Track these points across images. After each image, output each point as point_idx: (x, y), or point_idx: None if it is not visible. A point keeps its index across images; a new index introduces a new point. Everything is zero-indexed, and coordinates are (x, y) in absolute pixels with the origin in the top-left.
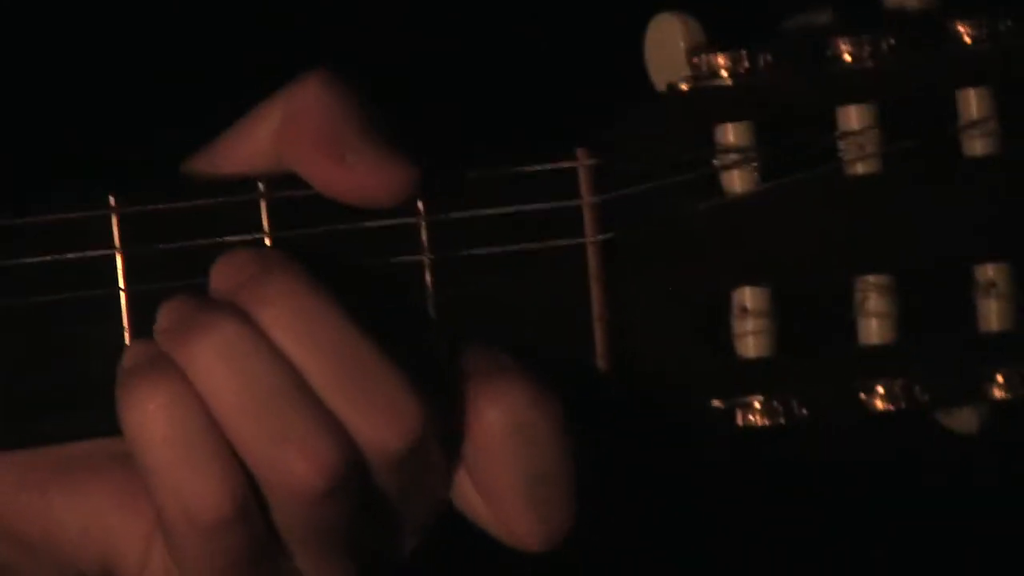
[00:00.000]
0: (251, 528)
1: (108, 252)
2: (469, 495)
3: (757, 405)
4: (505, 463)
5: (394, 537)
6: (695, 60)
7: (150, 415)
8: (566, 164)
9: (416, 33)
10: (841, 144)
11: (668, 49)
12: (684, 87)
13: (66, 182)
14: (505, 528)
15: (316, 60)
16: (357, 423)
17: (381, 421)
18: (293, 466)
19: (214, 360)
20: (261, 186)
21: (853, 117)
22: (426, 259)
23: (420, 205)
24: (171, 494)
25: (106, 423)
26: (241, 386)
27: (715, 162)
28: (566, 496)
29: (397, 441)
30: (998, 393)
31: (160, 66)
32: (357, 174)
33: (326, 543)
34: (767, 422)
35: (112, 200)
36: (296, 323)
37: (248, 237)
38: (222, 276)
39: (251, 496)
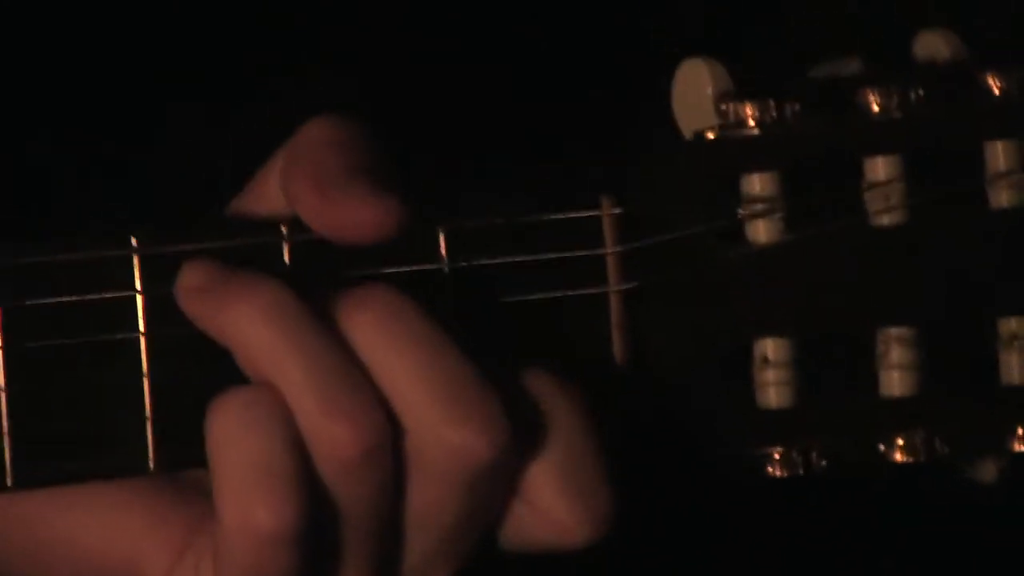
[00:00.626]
0: (305, 551)
1: (129, 293)
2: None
3: (777, 456)
4: (541, 457)
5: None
6: (723, 107)
7: (228, 426)
8: (591, 212)
9: (416, 33)
10: (867, 195)
11: (695, 95)
12: (711, 135)
13: (86, 221)
14: (549, 525)
15: (316, 60)
16: (450, 430)
17: (474, 429)
18: (337, 430)
19: (256, 321)
20: (284, 228)
21: (880, 168)
22: (448, 306)
23: (443, 251)
24: (236, 505)
25: (126, 466)
26: (286, 345)
27: (740, 212)
28: (602, 481)
29: (488, 450)
30: (1019, 446)
31: (160, 66)
32: (339, 209)
33: (376, 560)
34: (786, 473)
35: (134, 241)
36: (389, 326)
37: None
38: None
39: (312, 521)
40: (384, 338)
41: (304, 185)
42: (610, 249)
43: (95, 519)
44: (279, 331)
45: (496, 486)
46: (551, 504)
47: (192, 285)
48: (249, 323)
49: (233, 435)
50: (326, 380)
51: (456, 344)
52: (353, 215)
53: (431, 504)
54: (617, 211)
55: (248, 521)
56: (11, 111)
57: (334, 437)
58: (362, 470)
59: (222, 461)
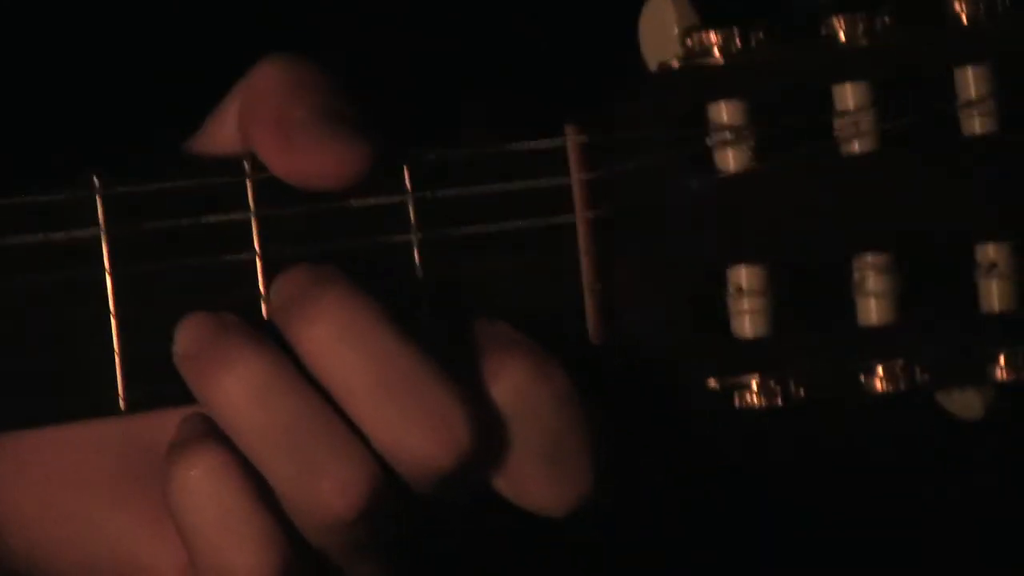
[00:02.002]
0: None
1: (93, 233)
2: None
3: (754, 385)
4: (514, 435)
5: (431, 536)
6: (688, 42)
7: (190, 488)
8: (556, 141)
9: (416, 32)
10: (836, 122)
11: (661, 31)
12: (675, 65)
13: (50, 162)
14: (523, 495)
15: (316, 60)
16: (406, 439)
17: (431, 436)
18: (325, 499)
19: (239, 397)
20: (247, 165)
21: (848, 95)
22: (414, 238)
23: (408, 183)
24: (211, 566)
25: (97, 405)
26: (267, 422)
27: (708, 140)
28: (582, 459)
29: (447, 456)
30: (1000, 374)
31: (160, 66)
32: (305, 156)
33: (362, 559)
34: (764, 402)
35: (96, 181)
36: (341, 340)
37: (234, 217)
38: (276, 294)
39: (293, 555)
40: (334, 352)
41: (267, 132)
42: (576, 177)
43: (97, 530)
44: (258, 414)
45: (465, 479)
46: (528, 484)
47: (181, 351)
48: (223, 406)
49: (199, 500)
50: (303, 456)
51: (410, 342)
52: (319, 163)
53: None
54: (582, 139)
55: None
56: (9, 113)
57: (324, 504)
58: (355, 525)
59: (188, 523)
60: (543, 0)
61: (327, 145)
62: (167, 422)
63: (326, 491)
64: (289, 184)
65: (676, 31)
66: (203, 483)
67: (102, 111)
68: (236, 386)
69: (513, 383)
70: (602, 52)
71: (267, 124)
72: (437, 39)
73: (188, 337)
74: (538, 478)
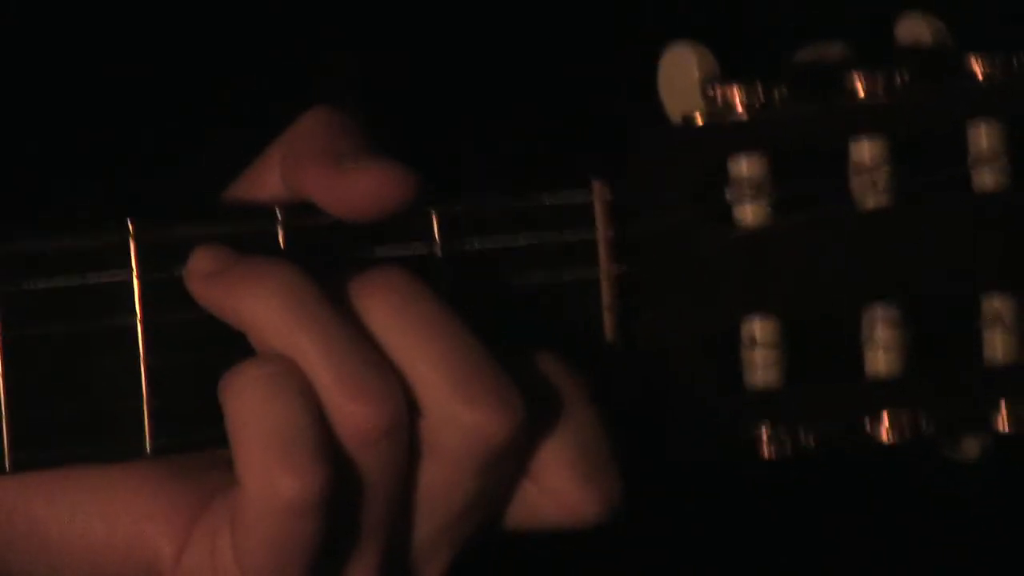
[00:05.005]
0: (326, 522)
1: (125, 278)
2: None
3: (765, 436)
4: (552, 440)
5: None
6: (709, 92)
7: (250, 396)
8: (583, 196)
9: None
10: (853, 178)
11: (682, 80)
12: (699, 119)
13: (83, 206)
14: (562, 505)
15: (316, 64)
16: (466, 411)
17: (489, 410)
18: (360, 408)
19: (275, 307)
20: (279, 213)
21: (866, 151)
22: (442, 287)
23: (436, 234)
24: (261, 473)
25: (124, 450)
26: (305, 331)
27: (727, 195)
28: (612, 463)
29: (503, 430)
30: (1002, 425)
31: (160, 67)
32: (356, 180)
33: (389, 539)
34: (775, 453)
35: (131, 226)
36: (404, 310)
37: None
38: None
39: (334, 490)
40: (401, 321)
41: (318, 164)
42: (602, 233)
43: (95, 499)
44: (294, 311)
45: (507, 468)
46: (563, 485)
47: (202, 269)
48: (264, 305)
49: (256, 405)
50: (344, 359)
51: (468, 327)
52: (368, 187)
53: (443, 485)
54: (609, 195)
55: (273, 489)
56: (18, 120)
57: (354, 415)
58: (380, 447)
59: (245, 431)
60: (569, 49)
61: (374, 170)
62: None
63: (358, 402)
64: (321, 229)
65: (697, 81)
66: (258, 392)
67: (102, 111)
68: (273, 297)
69: (549, 378)
70: (628, 100)
71: (316, 157)
72: (440, 55)
73: (208, 257)
74: (572, 481)
